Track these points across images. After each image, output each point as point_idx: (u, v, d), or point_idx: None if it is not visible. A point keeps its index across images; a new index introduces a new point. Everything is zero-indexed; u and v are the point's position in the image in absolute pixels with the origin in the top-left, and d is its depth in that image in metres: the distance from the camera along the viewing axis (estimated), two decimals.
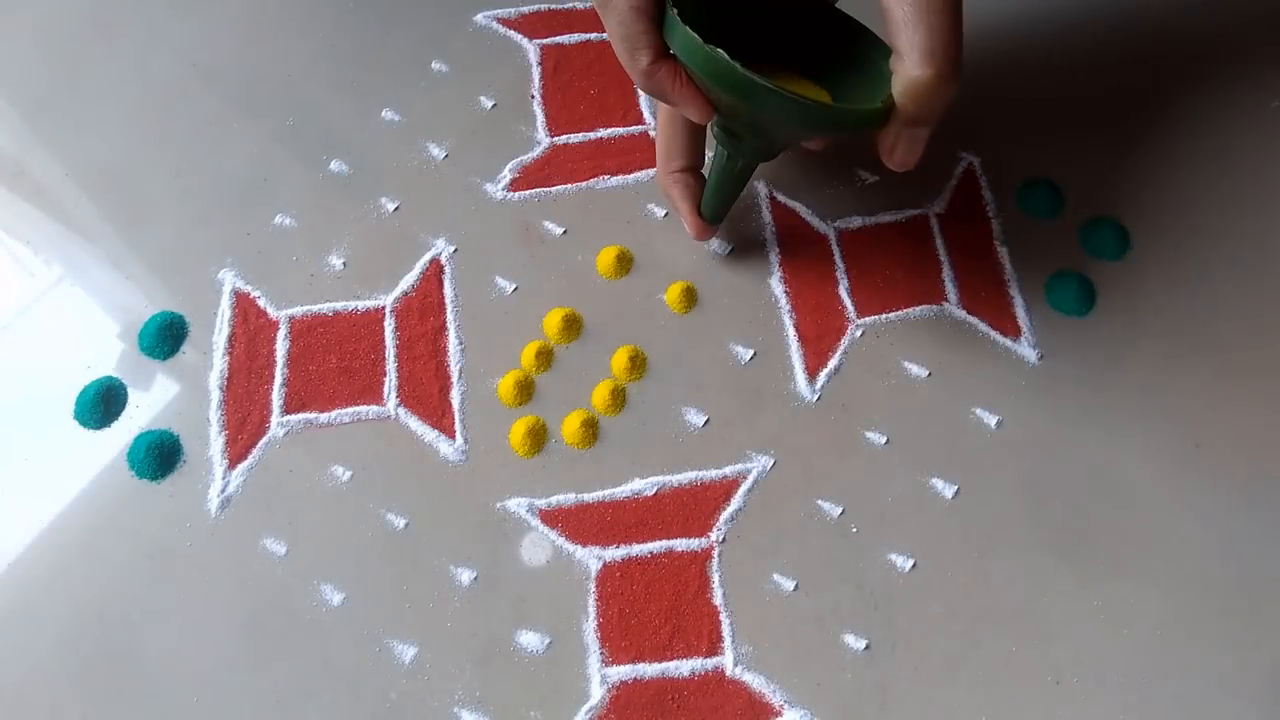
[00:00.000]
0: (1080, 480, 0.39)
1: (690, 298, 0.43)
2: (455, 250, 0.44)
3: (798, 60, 0.38)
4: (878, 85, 0.35)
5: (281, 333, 0.42)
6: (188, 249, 0.45)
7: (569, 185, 0.46)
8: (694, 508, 0.39)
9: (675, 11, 0.33)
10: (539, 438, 0.40)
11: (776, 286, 0.43)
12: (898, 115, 0.34)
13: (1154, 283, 0.42)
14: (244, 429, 0.41)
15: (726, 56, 0.32)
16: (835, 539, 0.38)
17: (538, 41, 0.49)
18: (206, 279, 0.44)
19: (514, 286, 0.43)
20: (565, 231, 0.44)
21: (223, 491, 0.39)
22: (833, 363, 0.41)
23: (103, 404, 0.41)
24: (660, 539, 0.38)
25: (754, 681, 0.36)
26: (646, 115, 0.47)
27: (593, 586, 0.38)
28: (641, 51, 0.34)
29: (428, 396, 0.41)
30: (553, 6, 0.51)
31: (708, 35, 0.32)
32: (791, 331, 0.42)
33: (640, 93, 0.48)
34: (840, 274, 0.43)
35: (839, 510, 0.38)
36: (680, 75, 0.35)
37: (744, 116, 0.35)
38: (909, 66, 0.32)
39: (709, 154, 0.42)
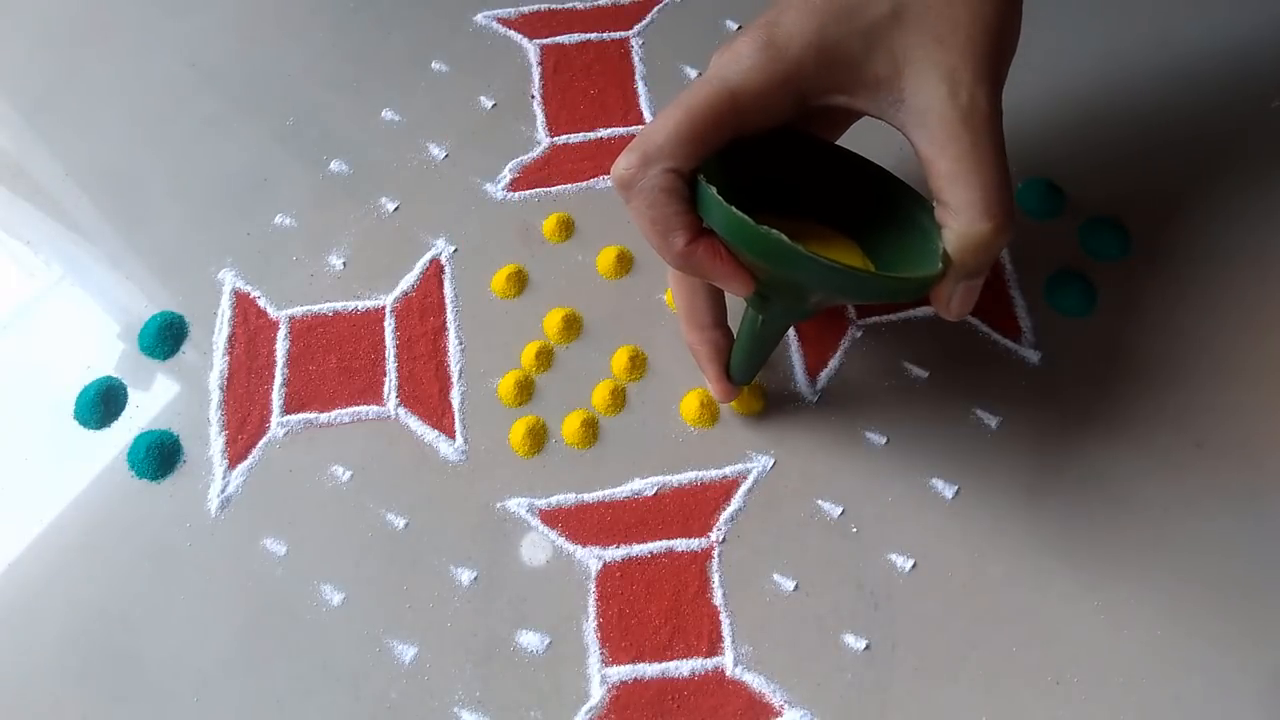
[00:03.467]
0: (1080, 480, 0.39)
1: None
2: (455, 250, 0.44)
3: (817, 208, 0.36)
4: (910, 234, 0.33)
5: (281, 333, 0.42)
6: (188, 249, 0.45)
7: (569, 185, 0.46)
8: (694, 508, 0.39)
9: (713, 190, 0.31)
10: (539, 438, 0.40)
11: None
12: (954, 270, 0.32)
13: (1154, 283, 0.42)
14: (244, 429, 0.41)
15: (784, 237, 0.30)
16: (835, 539, 0.38)
17: (538, 41, 0.49)
18: (206, 279, 0.44)
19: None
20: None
21: (223, 491, 0.39)
22: (833, 363, 0.41)
23: (103, 404, 0.41)
24: (660, 539, 0.38)
25: (754, 681, 0.36)
26: (647, 115, 0.47)
27: (593, 586, 0.38)
28: (677, 234, 0.32)
29: (428, 396, 0.41)
30: (553, 6, 0.51)
31: (725, 194, 0.31)
32: (791, 331, 0.42)
33: (641, 95, 0.48)
34: None
35: (839, 510, 0.38)
36: (720, 251, 0.32)
37: (787, 286, 0.33)
38: (966, 221, 0.31)
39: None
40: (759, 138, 0.33)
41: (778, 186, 0.34)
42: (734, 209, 0.30)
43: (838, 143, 0.36)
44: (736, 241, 0.31)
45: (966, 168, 0.31)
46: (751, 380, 0.39)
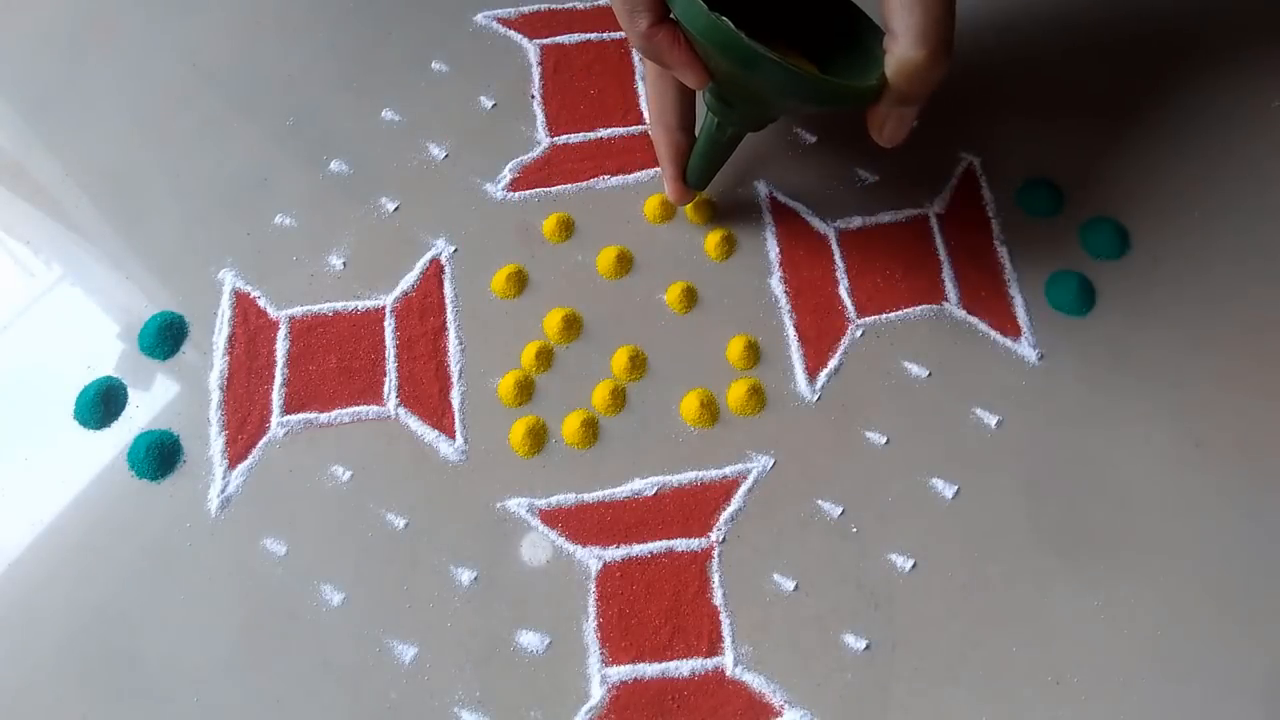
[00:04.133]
0: (1080, 480, 0.39)
1: (690, 298, 0.43)
2: (455, 250, 0.44)
3: (789, 36, 0.39)
4: (866, 65, 0.35)
5: (281, 333, 0.42)
6: (188, 249, 0.45)
7: (569, 185, 0.46)
8: (694, 508, 0.39)
9: None
10: (539, 438, 0.40)
11: (776, 286, 0.43)
12: (889, 93, 0.34)
13: (1154, 283, 0.42)
14: (244, 429, 0.41)
15: (731, 25, 0.32)
16: (835, 539, 0.38)
17: (538, 41, 0.49)
18: (206, 279, 0.44)
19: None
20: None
21: (223, 491, 0.39)
22: (833, 363, 0.41)
23: (103, 404, 0.41)
24: (660, 539, 0.38)
25: (754, 681, 0.36)
26: (647, 115, 0.47)
27: (593, 586, 0.38)
28: (641, 14, 0.35)
29: (428, 396, 0.41)
30: (553, 6, 0.51)
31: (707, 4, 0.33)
32: (791, 331, 0.42)
33: (641, 95, 0.48)
34: (840, 274, 0.43)
35: (839, 510, 0.38)
36: (679, 40, 0.35)
37: (741, 85, 0.36)
38: (904, 47, 0.33)
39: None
40: None
41: (754, 11, 0.36)
42: None
43: None
44: (692, 28, 0.33)
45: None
46: (705, 186, 0.43)
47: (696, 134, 0.41)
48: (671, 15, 0.34)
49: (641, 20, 0.35)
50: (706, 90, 0.38)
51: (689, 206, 0.44)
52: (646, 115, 0.42)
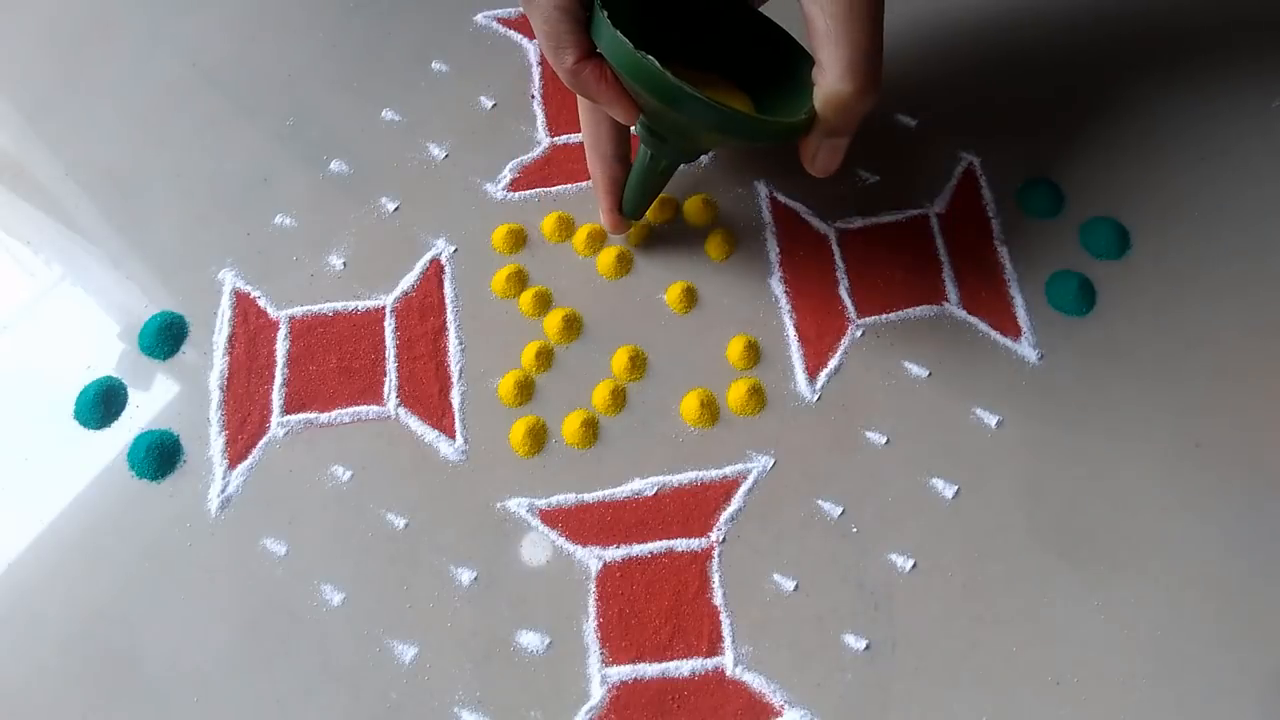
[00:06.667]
0: (1080, 480, 0.39)
1: (690, 298, 0.43)
2: (455, 250, 0.44)
3: (722, 64, 0.38)
4: (799, 93, 0.35)
5: (281, 333, 0.42)
6: (188, 249, 0.45)
7: (569, 185, 0.46)
8: (694, 508, 0.39)
9: (605, 14, 0.33)
10: (539, 438, 0.40)
11: (776, 286, 0.43)
12: (819, 126, 0.34)
13: (1154, 283, 0.42)
14: (244, 429, 0.41)
15: (656, 62, 0.32)
16: (835, 539, 0.38)
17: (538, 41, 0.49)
18: (206, 279, 0.44)
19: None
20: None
21: (223, 491, 0.39)
22: (833, 363, 0.41)
23: (103, 404, 0.41)
24: (660, 539, 0.38)
25: (754, 681, 0.36)
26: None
27: (593, 586, 0.38)
28: (567, 51, 0.34)
29: (428, 396, 0.41)
30: None
31: (633, 35, 0.32)
32: (791, 331, 0.42)
33: None
34: (840, 274, 0.43)
35: (839, 510, 0.38)
36: (606, 75, 0.35)
37: (669, 120, 0.35)
38: (831, 80, 0.33)
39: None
40: None
41: (690, 42, 0.37)
42: (619, 33, 0.32)
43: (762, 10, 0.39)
44: (618, 64, 0.33)
45: (840, 29, 0.32)
46: (641, 216, 0.42)
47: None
48: (599, 50, 0.34)
49: (568, 56, 0.34)
50: (638, 123, 0.37)
51: (629, 232, 0.44)
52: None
